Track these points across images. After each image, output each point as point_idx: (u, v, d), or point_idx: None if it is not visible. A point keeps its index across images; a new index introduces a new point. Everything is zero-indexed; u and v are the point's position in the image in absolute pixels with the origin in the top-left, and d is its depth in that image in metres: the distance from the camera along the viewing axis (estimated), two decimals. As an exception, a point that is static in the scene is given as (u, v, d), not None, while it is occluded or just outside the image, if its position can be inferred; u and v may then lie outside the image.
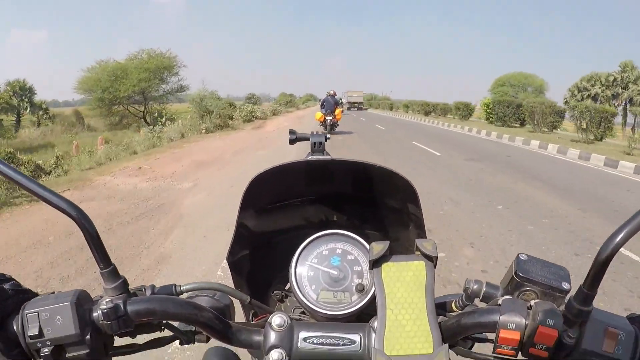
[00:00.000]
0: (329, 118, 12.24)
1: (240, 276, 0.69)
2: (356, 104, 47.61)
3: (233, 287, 0.64)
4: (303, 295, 0.57)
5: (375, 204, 0.72)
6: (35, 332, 0.40)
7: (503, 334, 0.41)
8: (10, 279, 0.43)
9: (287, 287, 0.71)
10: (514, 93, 41.88)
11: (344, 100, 36.70)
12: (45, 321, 0.40)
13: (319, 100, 14.82)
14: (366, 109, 49.89)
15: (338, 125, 12.83)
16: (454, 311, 0.54)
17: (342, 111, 13.87)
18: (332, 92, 12.68)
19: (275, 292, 0.71)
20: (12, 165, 0.40)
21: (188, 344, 0.53)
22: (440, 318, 0.48)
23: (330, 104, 12.28)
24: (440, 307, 0.56)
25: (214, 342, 0.53)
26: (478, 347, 0.53)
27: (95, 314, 0.42)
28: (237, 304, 0.61)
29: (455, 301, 0.55)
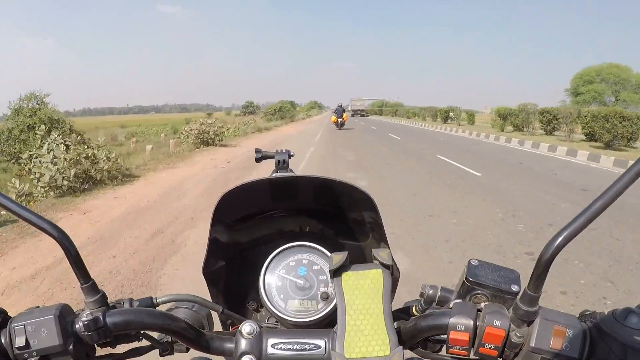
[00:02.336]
0: (339, 120, 23.25)
1: (216, 288, 0.72)
2: (359, 112, 55.36)
3: (210, 298, 0.67)
4: (272, 305, 0.60)
5: (339, 216, 0.75)
6: (22, 343, 0.43)
7: (453, 335, 0.43)
8: None
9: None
10: (609, 92, 31.54)
11: (349, 108, 52.69)
12: (31, 333, 0.43)
13: (327, 107, 28.68)
14: (367, 115, 58.83)
15: (345, 124, 23.98)
16: (414, 315, 0.57)
17: (346, 116, 24.86)
18: (340, 104, 24.77)
19: (250, 302, 0.74)
20: None
21: (166, 354, 0.55)
22: (402, 322, 0.52)
23: (340, 112, 23.52)
24: (403, 312, 0.60)
25: (194, 353, 0.55)
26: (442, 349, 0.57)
27: (77, 326, 0.45)
28: (217, 315, 0.64)
29: (415, 306, 0.58)
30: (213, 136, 13.82)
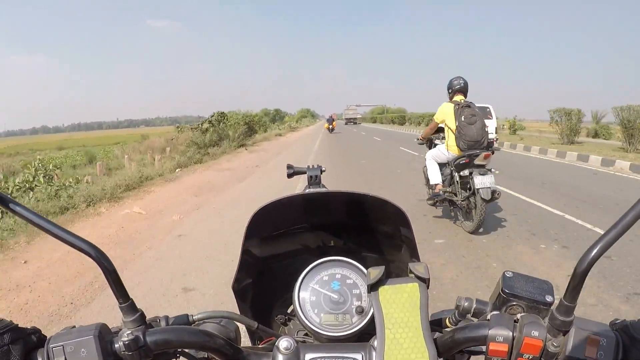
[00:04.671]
0: (330, 126, 28.85)
1: (244, 302, 0.73)
2: (352, 120, 56.03)
3: (239, 313, 0.67)
4: (307, 319, 0.61)
5: (370, 230, 0.76)
6: None
7: (492, 346, 0.44)
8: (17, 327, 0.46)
9: (289, 311, 0.75)
10: None
11: (343, 117, 56.45)
12: (71, 354, 0.43)
13: (322, 116, 27.31)
14: (359, 124, 57.86)
15: (334, 129, 29.48)
16: (448, 327, 0.58)
17: (335, 124, 30.38)
18: (331, 115, 31.17)
19: (278, 316, 0.74)
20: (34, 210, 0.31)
21: None
22: (436, 334, 0.52)
23: (330, 120, 29.35)
24: (436, 324, 0.60)
25: None
26: (474, 359, 0.56)
27: (117, 345, 0.45)
28: (241, 328, 0.65)
29: (449, 317, 0.58)
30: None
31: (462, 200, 4.28)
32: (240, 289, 0.70)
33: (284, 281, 0.68)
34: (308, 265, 0.66)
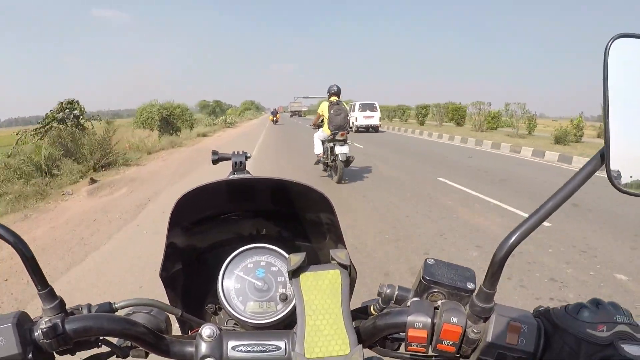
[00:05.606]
0: (274, 118, 32.97)
1: (174, 291, 0.72)
2: (297, 112, 62.03)
3: (168, 302, 0.67)
4: (231, 307, 0.61)
5: (296, 217, 0.76)
6: None
7: (411, 332, 0.45)
8: None
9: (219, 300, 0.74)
10: None
11: (288, 110, 62.28)
12: None
13: (267, 109, 27.25)
14: (304, 116, 61.53)
15: (278, 121, 33.06)
16: (373, 314, 0.58)
17: (279, 116, 33.61)
18: (274, 108, 37.04)
19: (209, 305, 0.74)
20: None
21: (125, 358, 0.55)
22: (361, 322, 0.53)
23: (274, 113, 34.04)
24: (362, 312, 0.62)
25: (153, 358, 0.55)
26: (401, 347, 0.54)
27: (35, 334, 0.44)
28: (175, 319, 0.63)
29: (373, 305, 0.60)
30: None
31: (331, 162, 6.98)
32: (168, 277, 0.69)
33: (214, 270, 0.67)
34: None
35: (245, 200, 0.74)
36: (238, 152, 1.04)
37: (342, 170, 6.74)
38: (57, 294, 0.47)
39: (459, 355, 0.46)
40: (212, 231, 0.77)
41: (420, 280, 0.51)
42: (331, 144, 6.78)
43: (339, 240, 0.69)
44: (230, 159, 1.03)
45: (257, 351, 0.48)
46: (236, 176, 0.78)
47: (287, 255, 0.62)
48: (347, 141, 6.76)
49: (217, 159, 1.14)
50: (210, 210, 0.74)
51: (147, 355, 0.55)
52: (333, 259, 0.52)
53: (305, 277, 0.51)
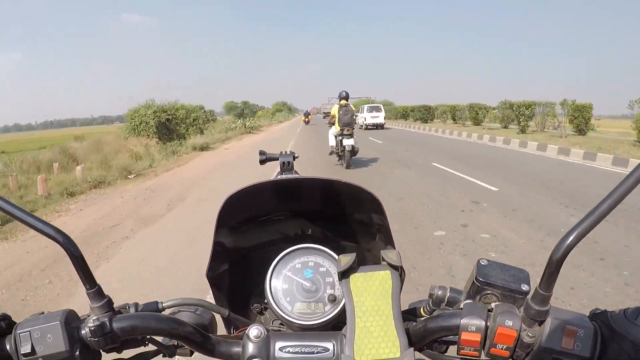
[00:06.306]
0: (306, 119, 33.15)
1: (220, 291, 0.72)
2: (328, 114, 60.87)
3: (214, 302, 0.67)
4: (279, 308, 0.60)
5: (344, 218, 0.76)
6: (28, 349, 0.42)
7: (464, 336, 0.43)
8: None
9: (265, 300, 0.71)
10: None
11: (322, 111, 60.83)
12: (37, 339, 0.43)
13: (300, 110, 27.75)
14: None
15: (309, 122, 33.25)
16: (422, 316, 0.58)
17: (311, 117, 34.81)
18: (306, 110, 38.37)
19: (254, 305, 0.74)
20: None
21: (171, 357, 0.57)
22: (410, 323, 0.52)
23: (307, 114, 34.19)
24: (411, 313, 0.60)
25: (197, 357, 0.56)
26: (450, 350, 0.55)
27: (83, 332, 0.45)
28: (220, 319, 0.64)
29: (424, 307, 0.58)
30: None
31: (340, 152, 8.93)
32: (215, 278, 0.70)
33: (260, 270, 0.67)
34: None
35: (292, 200, 0.75)
36: (286, 152, 1.11)
37: (349, 158, 8.64)
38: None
39: (512, 359, 0.44)
40: (258, 231, 0.78)
41: (474, 281, 0.49)
42: (340, 138, 8.67)
43: (388, 242, 0.68)
44: (277, 159, 1.07)
45: (305, 352, 0.48)
46: (284, 176, 0.81)
47: (335, 256, 0.62)
48: (353, 135, 8.62)
49: (265, 159, 1.18)
50: (257, 210, 0.75)
51: (192, 354, 0.56)
52: (383, 260, 0.52)
53: (355, 278, 0.51)
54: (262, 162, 1.23)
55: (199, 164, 11.30)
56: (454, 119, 26.07)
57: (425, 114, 31.40)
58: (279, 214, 0.77)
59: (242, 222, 0.74)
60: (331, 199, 0.72)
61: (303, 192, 0.74)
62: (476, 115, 22.75)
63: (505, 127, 19.68)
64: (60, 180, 8.40)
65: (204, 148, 15.19)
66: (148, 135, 17.12)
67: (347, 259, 0.51)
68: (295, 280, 0.63)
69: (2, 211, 0.41)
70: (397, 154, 11.53)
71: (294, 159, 1.08)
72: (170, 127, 17.86)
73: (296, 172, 1.05)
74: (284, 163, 1.05)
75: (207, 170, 10.01)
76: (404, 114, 36.20)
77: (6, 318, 0.46)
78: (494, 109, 22.17)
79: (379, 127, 25.38)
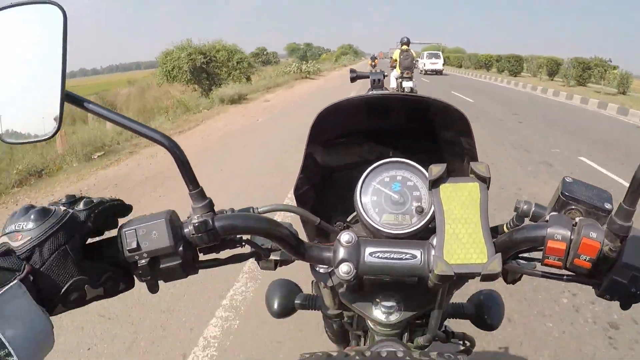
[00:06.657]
0: (373, 63, 27.35)
1: (305, 208, 0.73)
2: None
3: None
4: (368, 217, 0.61)
5: (430, 137, 0.76)
6: (134, 245, 0.45)
7: (551, 244, 0.44)
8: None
9: (348, 219, 0.76)
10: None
11: (388, 56, 69.56)
12: (143, 236, 0.45)
13: (367, 54, 28.57)
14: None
15: (376, 65, 26.78)
16: (506, 232, 0.57)
17: (377, 61, 30.64)
18: (379, 53, 35.73)
19: (337, 222, 0.76)
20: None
21: (264, 259, 0.61)
22: (496, 237, 0.51)
23: (373, 58, 28.34)
24: (494, 231, 0.60)
25: (279, 273, 0.61)
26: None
27: (186, 230, 0.48)
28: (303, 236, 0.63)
29: (507, 223, 0.61)
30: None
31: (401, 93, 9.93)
32: (300, 195, 0.72)
33: (343, 190, 0.69)
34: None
35: (381, 117, 0.75)
36: (376, 70, 1.17)
37: (407, 97, 9.67)
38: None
39: (591, 274, 0.45)
40: (342, 152, 0.80)
41: (559, 196, 0.50)
42: (400, 80, 9.73)
43: (474, 161, 0.66)
44: (368, 77, 1.08)
45: (393, 258, 0.50)
46: (375, 92, 0.84)
47: (423, 170, 0.62)
48: (412, 78, 9.65)
49: (355, 76, 1.21)
50: (347, 126, 0.76)
51: (275, 267, 0.61)
52: (472, 172, 0.51)
53: (445, 188, 0.51)
54: (352, 79, 1.39)
55: (210, 132, 7.63)
56: (550, 75, 21.94)
57: (516, 66, 26.37)
58: (362, 134, 0.79)
59: (331, 139, 0.76)
60: (419, 117, 0.72)
61: (392, 109, 0.75)
62: (581, 74, 18.25)
63: (624, 92, 15.46)
64: (88, 137, 6.51)
65: (234, 101, 11.66)
66: (185, 81, 15.08)
67: (438, 169, 0.52)
68: (383, 192, 0.63)
69: (111, 122, 0.47)
70: (507, 125, 8.13)
71: (384, 77, 1.15)
72: (210, 71, 15.17)
73: (386, 89, 1.08)
74: (374, 80, 1.13)
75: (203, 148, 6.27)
76: (486, 63, 31.80)
77: (127, 206, 0.50)
78: (614, 68, 17.43)
79: (437, 72, 26.34)
